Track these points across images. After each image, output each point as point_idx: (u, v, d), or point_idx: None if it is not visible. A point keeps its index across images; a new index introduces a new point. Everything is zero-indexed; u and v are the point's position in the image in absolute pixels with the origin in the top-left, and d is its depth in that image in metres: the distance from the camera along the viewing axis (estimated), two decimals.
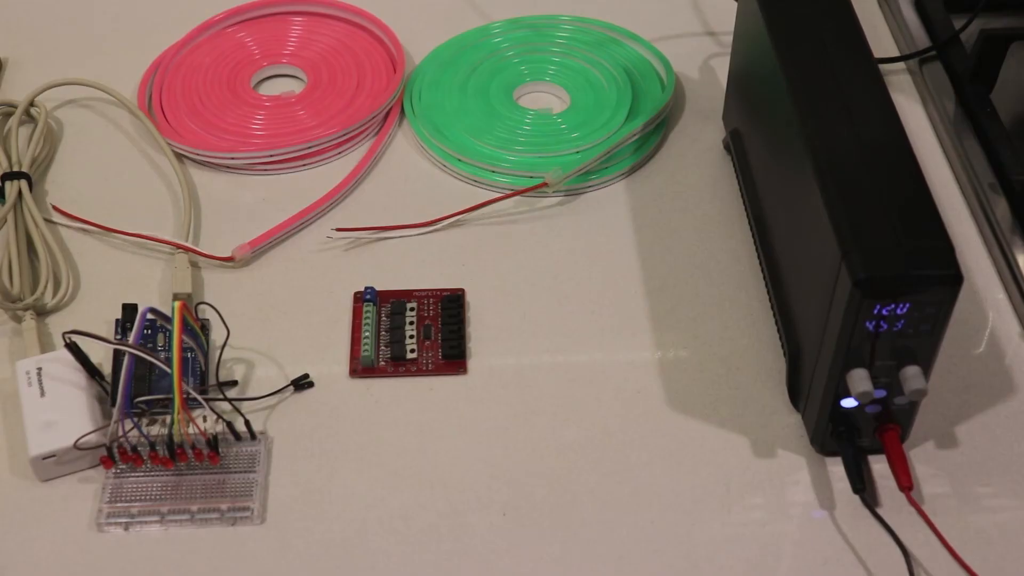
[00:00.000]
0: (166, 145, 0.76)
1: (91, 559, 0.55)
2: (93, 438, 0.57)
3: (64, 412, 0.58)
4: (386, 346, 0.64)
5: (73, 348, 0.59)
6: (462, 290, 0.67)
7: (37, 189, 0.74)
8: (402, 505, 0.58)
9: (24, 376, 0.59)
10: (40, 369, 0.60)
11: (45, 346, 0.64)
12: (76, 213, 0.71)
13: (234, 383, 0.62)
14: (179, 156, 0.76)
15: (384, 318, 0.65)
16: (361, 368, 0.63)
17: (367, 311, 0.65)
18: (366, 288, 0.66)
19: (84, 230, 0.71)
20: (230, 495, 0.57)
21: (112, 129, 0.79)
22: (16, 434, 0.59)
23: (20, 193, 0.71)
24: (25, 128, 0.77)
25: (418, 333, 0.64)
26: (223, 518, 0.56)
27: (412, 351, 0.63)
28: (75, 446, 0.57)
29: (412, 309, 0.66)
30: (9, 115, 0.77)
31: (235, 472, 0.58)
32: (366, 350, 0.63)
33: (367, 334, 0.64)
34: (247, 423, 0.59)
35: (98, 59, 0.84)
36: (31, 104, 0.78)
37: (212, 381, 0.62)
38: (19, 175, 0.72)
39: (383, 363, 0.63)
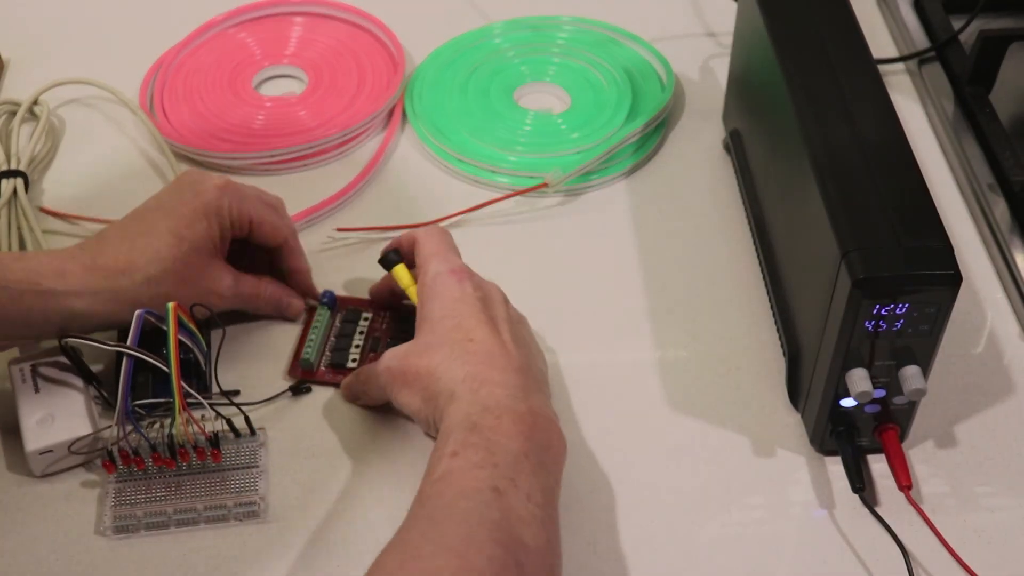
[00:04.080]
0: (167, 145, 0.76)
1: (94, 561, 0.56)
2: (89, 440, 0.57)
3: (60, 407, 0.58)
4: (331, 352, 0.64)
5: (68, 352, 0.59)
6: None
7: (35, 188, 0.74)
8: (403, 505, 0.58)
9: (18, 374, 0.59)
10: (33, 367, 0.60)
11: (38, 346, 0.63)
12: (77, 212, 0.71)
13: (236, 393, 0.62)
14: (180, 156, 0.76)
15: (337, 324, 0.65)
16: (301, 371, 0.63)
17: (319, 315, 0.65)
18: (324, 292, 0.66)
19: (80, 231, 0.71)
20: (234, 491, 0.57)
21: (114, 129, 0.79)
22: (15, 435, 0.59)
23: (15, 191, 0.71)
24: (28, 126, 0.77)
25: (364, 344, 0.64)
26: (229, 514, 0.56)
27: (354, 360, 0.63)
28: (70, 451, 0.57)
29: (366, 319, 0.65)
30: (13, 113, 0.77)
31: (237, 468, 0.58)
32: (307, 353, 0.63)
33: (312, 337, 0.64)
34: (247, 419, 0.59)
35: (100, 59, 0.84)
36: (34, 102, 0.78)
37: (213, 385, 0.61)
38: (15, 173, 0.72)
39: (323, 368, 0.63)
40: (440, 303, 0.57)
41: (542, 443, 0.52)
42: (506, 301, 0.59)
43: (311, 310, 0.66)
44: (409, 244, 0.62)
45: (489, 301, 0.58)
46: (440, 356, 0.55)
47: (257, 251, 0.65)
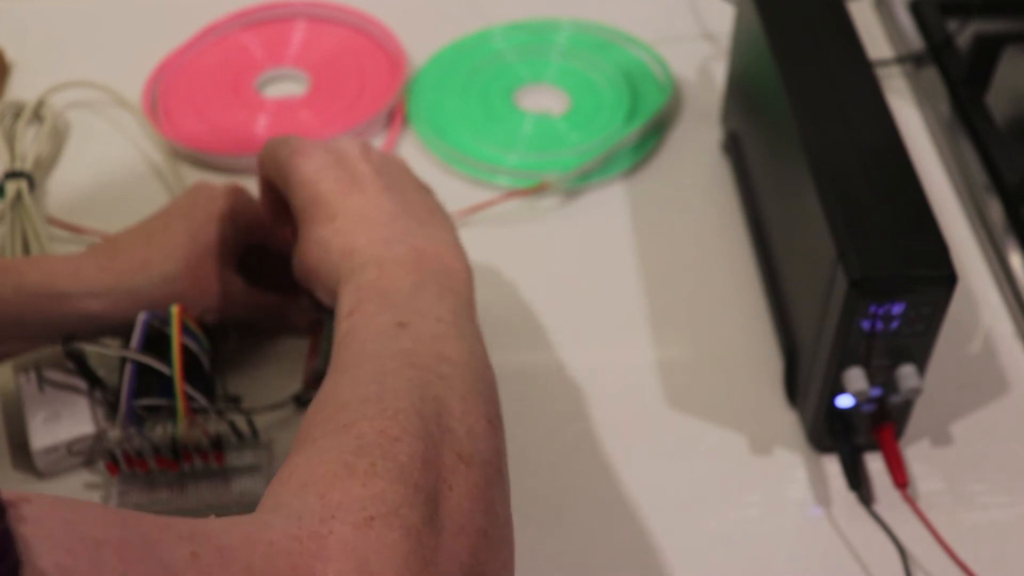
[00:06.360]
0: (169, 148, 0.77)
1: None
2: (92, 440, 0.58)
3: (65, 406, 0.59)
4: None
5: (74, 358, 0.59)
6: None
7: (39, 190, 0.74)
8: None
9: (22, 373, 0.60)
10: (39, 367, 0.60)
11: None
12: (79, 213, 0.72)
13: (238, 398, 0.62)
14: (183, 158, 0.77)
15: None
16: (317, 380, 0.60)
17: (328, 324, 0.61)
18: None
19: (85, 238, 0.71)
20: (237, 493, 0.57)
21: (117, 131, 0.79)
22: (20, 434, 0.59)
23: (20, 193, 0.71)
24: (33, 128, 0.78)
25: None
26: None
27: None
28: (70, 451, 0.57)
29: None
30: (18, 115, 0.78)
31: (241, 472, 0.58)
32: (320, 365, 0.60)
33: (325, 348, 0.60)
34: (250, 422, 0.59)
35: (105, 61, 0.84)
36: (39, 104, 0.78)
37: (217, 389, 0.62)
38: (20, 175, 0.72)
39: None
40: (299, 194, 0.55)
41: (436, 271, 0.52)
42: (364, 152, 0.57)
43: (318, 322, 0.63)
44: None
45: (344, 163, 0.56)
46: (316, 246, 0.54)
47: (264, 267, 0.64)
